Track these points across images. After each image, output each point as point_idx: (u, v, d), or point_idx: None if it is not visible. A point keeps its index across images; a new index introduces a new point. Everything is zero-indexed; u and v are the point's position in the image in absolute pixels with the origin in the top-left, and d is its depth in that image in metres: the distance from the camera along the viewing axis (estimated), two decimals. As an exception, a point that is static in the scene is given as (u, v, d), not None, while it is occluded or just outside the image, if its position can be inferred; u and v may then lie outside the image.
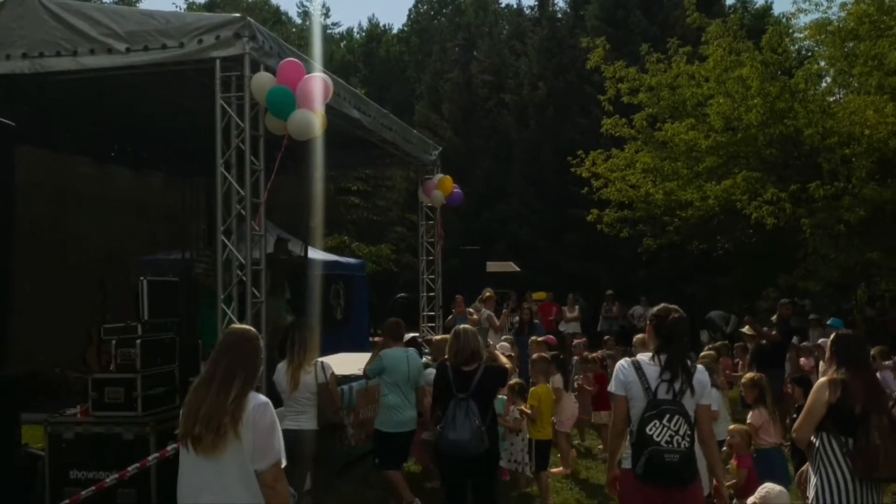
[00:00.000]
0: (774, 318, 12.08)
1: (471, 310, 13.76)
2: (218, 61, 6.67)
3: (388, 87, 37.87)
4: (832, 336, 4.84)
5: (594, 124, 23.47)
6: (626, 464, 4.38)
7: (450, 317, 13.11)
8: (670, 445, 4.16)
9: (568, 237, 23.45)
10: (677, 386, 4.30)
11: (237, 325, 4.09)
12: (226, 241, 6.71)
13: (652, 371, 4.35)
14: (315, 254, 13.89)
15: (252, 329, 3.74)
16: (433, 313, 12.42)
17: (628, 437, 4.40)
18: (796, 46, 15.33)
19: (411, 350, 7.05)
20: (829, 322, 12.43)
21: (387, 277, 24.78)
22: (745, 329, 10.89)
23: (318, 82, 6.67)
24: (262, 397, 3.40)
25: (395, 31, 52.08)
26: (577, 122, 24.01)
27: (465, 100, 26.57)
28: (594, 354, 10.81)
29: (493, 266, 17.76)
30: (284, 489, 3.39)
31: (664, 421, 4.20)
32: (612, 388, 4.52)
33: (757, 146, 13.61)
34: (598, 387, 9.74)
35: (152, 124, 10.40)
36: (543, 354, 7.47)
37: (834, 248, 11.95)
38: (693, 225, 15.51)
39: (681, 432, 4.19)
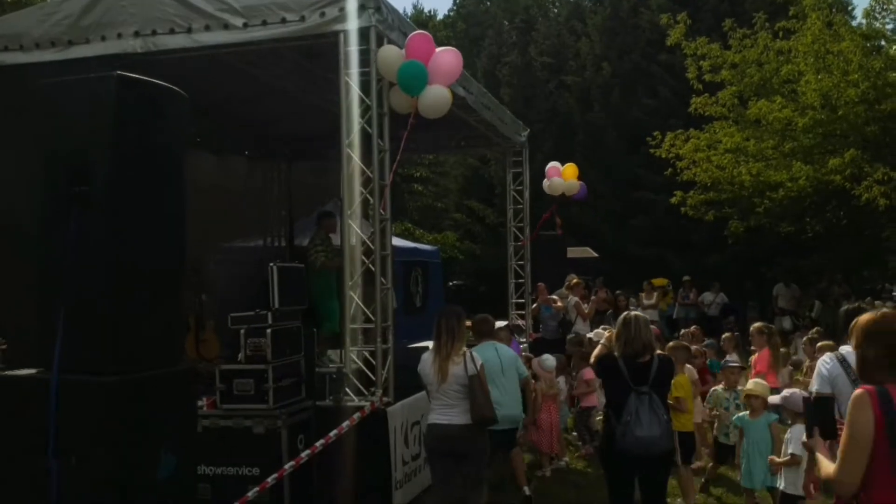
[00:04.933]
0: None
1: (555, 297, 13.36)
2: (342, 35, 6.32)
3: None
4: None
5: (662, 105, 22.92)
6: None
7: (534, 305, 12.72)
8: None
9: (635, 222, 22.89)
10: None
11: None
12: (353, 225, 6.39)
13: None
14: (395, 241, 13.55)
15: None
16: (522, 300, 12.00)
17: None
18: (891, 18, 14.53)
19: (500, 344, 6.71)
20: None
21: (446, 264, 24.48)
22: None
23: (451, 56, 6.29)
24: None
25: (440, 17, 51.61)
26: (643, 103, 23.36)
27: (525, 83, 25.98)
28: (695, 348, 10.34)
29: (572, 252, 17.32)
30: None
31: None
32: (815, 386, 4.12)
33: (858, 124, 12.94)
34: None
35: (235, 107, 10.12)
36: (683, 343, 7.03)
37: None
38: (783, 206, 14.88)
39: None
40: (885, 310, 3.40)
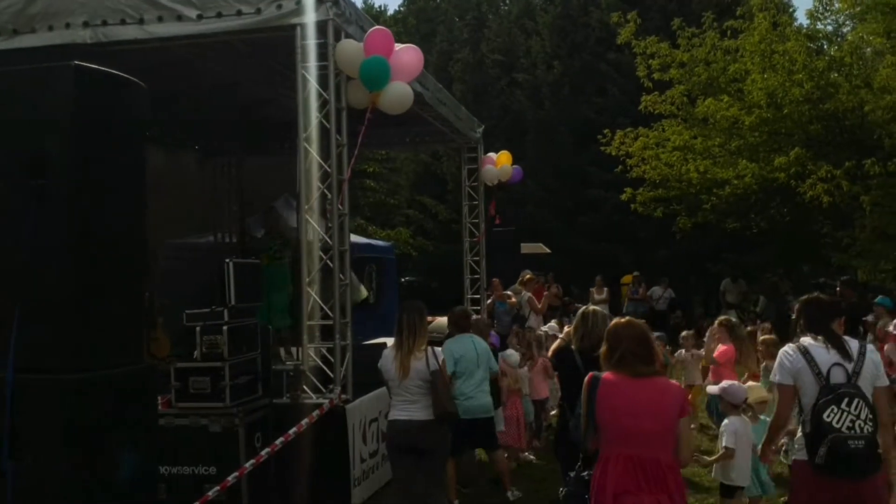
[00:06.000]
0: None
1: (509, 292, 13.44)
2: (299, 28, 6.25)
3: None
4: None
5: (610, 103, 23.20)
6: (800, 455, 4.07)
7: (489, 300, 12.79)
8: (853, 431, 3.85)
9: (584, 218, 23.14)
10: (850, 368, 4.00)
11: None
12: (310, 220, 6.33)
13: (821, 354, 4.05)
14: (351, 237, 13.38)
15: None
16: (477, 296, 12.05)
17: (800, 427, 4.10)
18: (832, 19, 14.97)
19: (476, 337, 6.79)
20: (876, 300, 12.11)
21: (399, 261, 24.41)
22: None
23: (412, 54, 6.28)
24: None
25: (390, 12, 51.32)
26: (593, 101, 23.63)
27: (477, 80, 26.06)
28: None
29: (526, 248, 17.46)
30: None
31: (843, 405, 3.89)
32: (776, 377, 4.19)
33: (802, 122, 13.31)
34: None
35: (186, 100, 9.93)
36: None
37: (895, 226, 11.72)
38: (729, 203, 15.25)
39: (862, 416, 3.88)
40: (627, 318, 4.09)
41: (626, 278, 18.76)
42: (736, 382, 6.20)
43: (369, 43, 6.20)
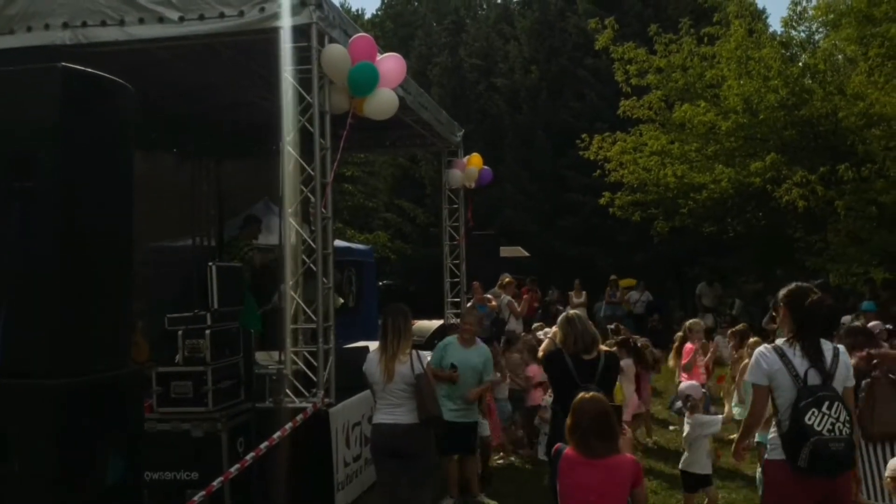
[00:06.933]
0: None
1: (489, 296, 13.47)
2: (282, 31, 6.23)
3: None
4: None
5: (587, 108, 23.37)
6: (774, 454, 4.13)
7: (469, 304, 12.80)
8: (833, 434, 3.93)
9: (562, 222, 23.27)
10: (825, 370, 4.07)
11: None
12: (293, 223, 6.30)
13: (797, 356, 4.11)
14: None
15: None
16: (457, 299, 12.07)
17: (776, 427, 4.17)
18: (806, 27, 15.23)
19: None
20: (863, 306, 12.17)
21: (378, 264, 24.37)
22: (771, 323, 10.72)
23: (398, 62, 6.30)
24: None
25: (367, 16, 51.29)
26: (570, 106, 23.77)
27: (455, 84, 26.15)
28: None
29: (505, 251, 17.50)
30: None
31: (823, 409, 3.96)
32: (751, 377, 4.25)
33: (777, 128, 13.50)
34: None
35: (164, 101, 9.85)
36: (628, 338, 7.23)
37: (868, 230, 11.91)
38: (706, 207, 15.41)
39: (841, 419, 3.96)
40: (592, 394, 4.16)
41: (624, 282, 18.94)
42: (695, 383, 6.48)
43: (354, 49, 6.20)
